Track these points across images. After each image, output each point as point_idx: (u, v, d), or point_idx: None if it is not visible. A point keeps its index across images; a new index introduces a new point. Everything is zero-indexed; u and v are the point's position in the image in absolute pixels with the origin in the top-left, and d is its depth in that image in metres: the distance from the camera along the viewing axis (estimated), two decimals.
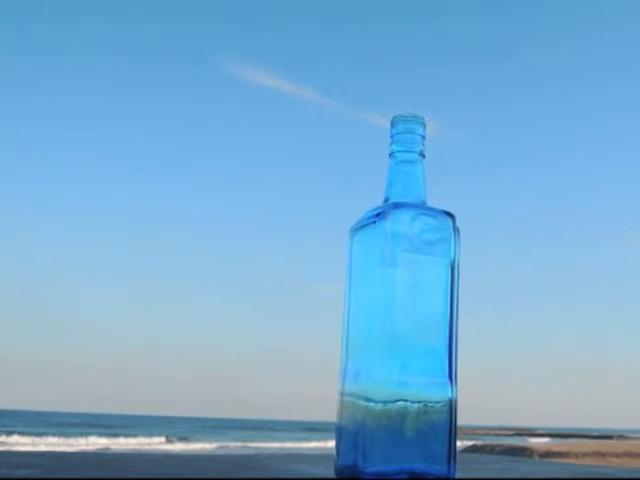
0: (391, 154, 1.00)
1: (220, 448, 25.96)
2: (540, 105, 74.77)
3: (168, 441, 28.58)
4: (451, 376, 0.93)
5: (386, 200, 0.98)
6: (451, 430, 0.91)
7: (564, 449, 21.66)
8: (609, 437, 44.76)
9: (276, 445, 28.21)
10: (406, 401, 0.88)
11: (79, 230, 79.19)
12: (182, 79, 72.51)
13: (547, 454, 19.38)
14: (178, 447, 26.04)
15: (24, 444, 22.61)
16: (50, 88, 68.53)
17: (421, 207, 0.95)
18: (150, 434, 31.05)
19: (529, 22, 73.72)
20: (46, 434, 26.88)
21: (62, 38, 69.41)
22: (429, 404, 0.90)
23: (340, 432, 0.93)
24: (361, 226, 0.97)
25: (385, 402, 0.87)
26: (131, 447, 24.95)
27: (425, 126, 1.00)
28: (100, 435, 27.85)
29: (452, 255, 0.95)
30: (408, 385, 0.89)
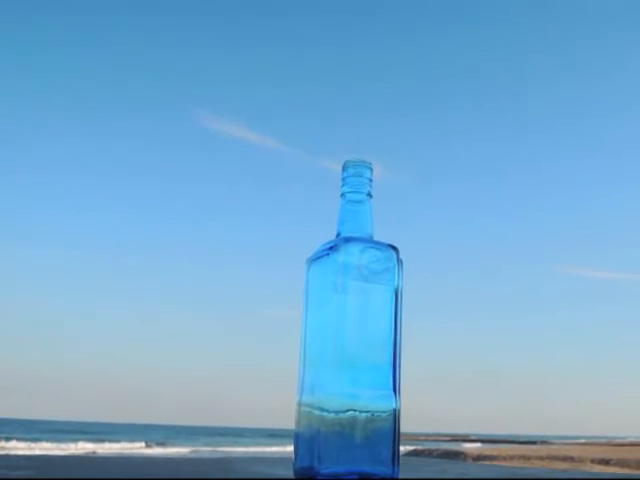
0: (342, 194, 1.01)
1: (193, 452, 25.74)
2: (474, 150, 75.42)
3: (147, 446, 28.26)
4: (395, 389, 0.93)
5: (338, 235, 0.98)
6: (395, 436, 0.91)
7: (494, 453, 21.69)
8: (534, 442, 44.88)
9: (242, 449, 28.01)
10: (356, 411, 0.88)
11: (67, 259, 78.72)
12: (160, 131, 72.36)
13: (479, 457, 19.38)
14: (156, 451, 25.81)
15: (21, 448, 22.30)
16: (47, 134, 68.15)
17: (369, 241, 0.96)
18: (131, 440, 30.72)
19: (468, 76, 74.42)
20: (40, 440, 26.55)
21: (59, 85, 69.08)
22: (376, 413, 0.90)
23: (298, 438, 0.93)
24: (316, 257, 0.97)
25: (337, 412, 0.87)
26: (115, 451, 24.66)
27: (372, 170, 1.01)
28: (88, 440, 27.46)
29: (396, 283, 0.95)
30: (357, 397, 0.89)
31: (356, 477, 0.87)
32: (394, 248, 0.96)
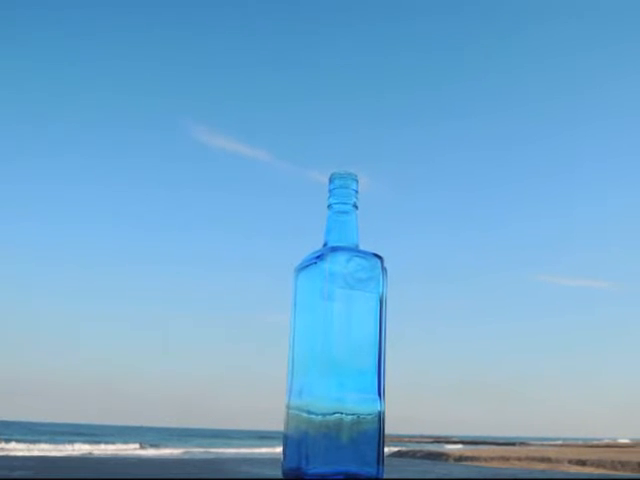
0: (329, 205, 1.01)
1: (185, 453, 25.60)
2: (457, 161, 75.56)
3: (141, 447, 28.12)
4: (380, 392, 0.93)
5: (325, 244, 0.98)
6: (380, 438, 0.91)
7: (475, 454, 21.62)
8: (512, 444, 44.86)
9: (232, 450, 27.90)
10: (342, 414, 0.88)
11: (66, 265, 78.58)
12: (155, 144, 72.30)
13: (460, 458, 19.33)
14: (150, 452, 25.67)
15: (20, 450, 22.19)
16: (50, 149, 68.03)
17: (354, 250, 0.96)
18: (126, 441, 30.63)
19: (453, 89, 74.50)
20: (39, 441, 26.39)
21: (60, 106, 68.99)
22: (361, 416, 0.90)
23: (286, 439, 0.93)
24: (304, 266, 0.97)
25: (324, 414, 0.87)
26: (110, 452, 24.56)
27: (358, 182, 1.02)
28: (84, 442, 27.34)
29: (380, 291, 0.95)
30: (344, 400, 0.89)
31: (342, 477, 0.87)
32: (379, 257, 0.97)
